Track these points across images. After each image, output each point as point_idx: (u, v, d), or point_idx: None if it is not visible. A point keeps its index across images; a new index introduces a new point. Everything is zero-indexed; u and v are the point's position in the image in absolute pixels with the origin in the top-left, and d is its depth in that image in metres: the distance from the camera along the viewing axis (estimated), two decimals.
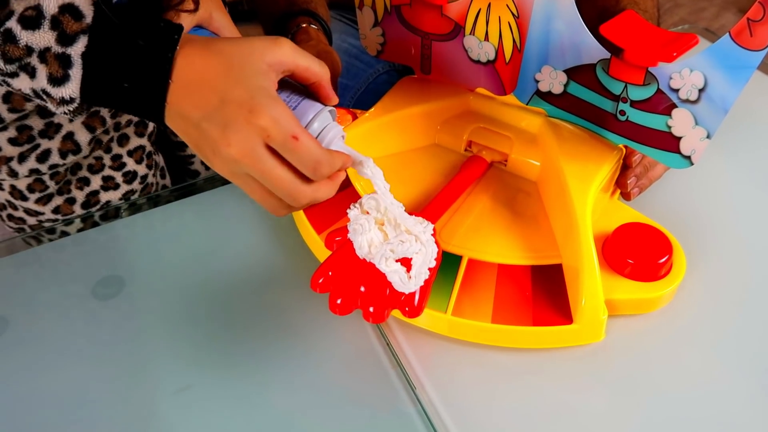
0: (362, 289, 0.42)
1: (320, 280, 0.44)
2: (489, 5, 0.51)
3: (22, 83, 0.38)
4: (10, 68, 0.37)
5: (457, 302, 0.48)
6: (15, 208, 0.67)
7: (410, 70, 0.61)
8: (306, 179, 0.39)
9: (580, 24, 0.48)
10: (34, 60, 0.37)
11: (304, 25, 0.59)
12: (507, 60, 0.53)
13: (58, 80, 0.37)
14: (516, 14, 0.50)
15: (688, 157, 0.48)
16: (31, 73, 0.37)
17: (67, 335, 0.53)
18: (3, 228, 0.73)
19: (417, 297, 0.43)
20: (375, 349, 0.50)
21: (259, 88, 0.37)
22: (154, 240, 0.61)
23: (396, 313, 0.48)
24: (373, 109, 0.58)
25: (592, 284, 0.46)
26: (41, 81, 0.37)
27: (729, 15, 1.92)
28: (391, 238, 0.42)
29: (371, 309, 0.42)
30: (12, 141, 0.61)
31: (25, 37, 0.36)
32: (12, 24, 0.36)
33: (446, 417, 0.45)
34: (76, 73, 0.37)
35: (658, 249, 0.49)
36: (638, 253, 0.49)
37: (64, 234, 0.64)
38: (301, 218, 0.56)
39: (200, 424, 0.46)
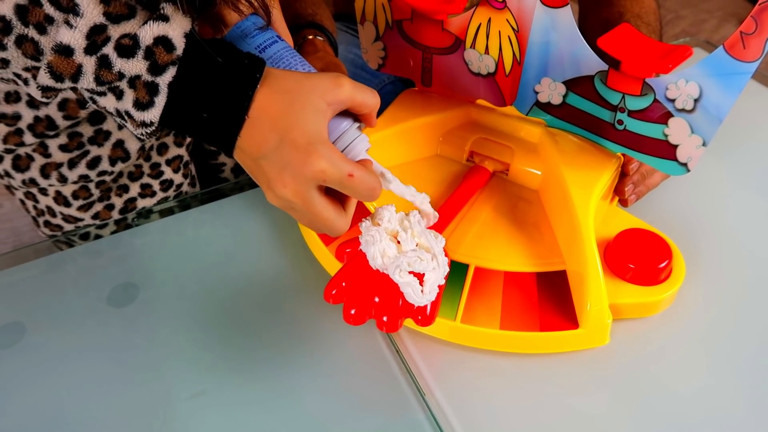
0: (377, 299, 0.43)
1: (333, 292, 0.45)
2: (489, 20, 0.52)
3: (108, 102, 0.39)
4: (100, 89, 0.38)
5: (465, 310, 0.49)
6: (54, 215, 0.68)
7: None
8: (342, 212, 0.42)
9: (579, 37, 0.49)
10: (123, 84, 0.38)
11: (310, 37, 0.60)
12: (507, 72, 0.55)
13: (143, 105, 0.38)
14: (516, 28, 0.52)
15: (685, 164, 0.50)
16: (119, 95, 0.38)
17: (85, 340, 0.54)
18: (13, 233, 0.73)
19: (429, 306, 0.44)
20: (385, 356, 0.51)
21: (315, 132, 0.39)
22: (174, 245, 0.62)
23: (407, 321, 0.49)
24: (375, 122, 0.59)
25: (596, 289, 0.47)
26: (127, 104, 0.38)
27: (729, 27, 1.96)
28: (407, 249, 0.43)
29: (385, 318, 0.43)
30: (62, 147, 0.63)
31: (119, 64, 0.37)
32: (109, 51, 0.37)
33: (455, 423, 0.46)
34: (160, 100, 0.38)
35: (659, 254, 0.51)
36: (639, 258, 0.50)
37: (90, 237, 0.66)
38: (308, 231, 0.57)
39: (214, 429, 0.47)
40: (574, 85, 0.52)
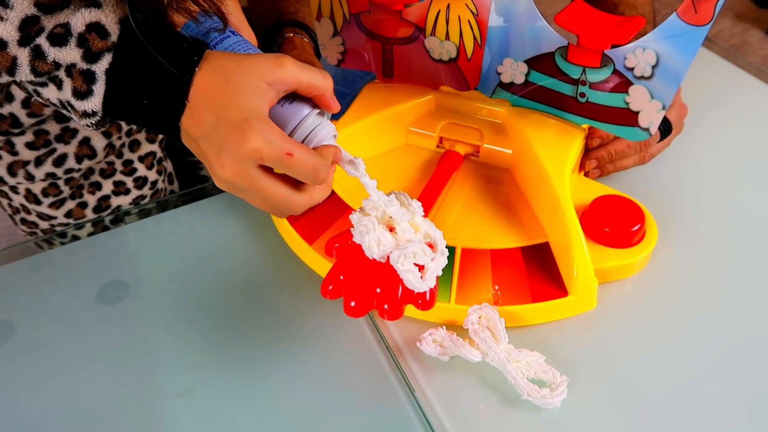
0: (378, 290, 0.43)
1: (330, 287, 0.44)
2: (448, 6, 0.53)
3: (51, 93, 0.39)
4: (40, 79, 0.38)
5: (458, 291, 0.50)
6: (28, 212, 0.67)
7: None
8: (299, 188, 0.41)
9: (537, 14, 0.51)
10: (61, 73, 0.38)
11: (289, 35, 0.59)
12: (469, 57, 0.56)
13: (81, 94, 0.38)
14: (475, 12, 0.53)
15: (647, 129, 0.52)
16: (59, 85, 0.38)
17: (72, 340, 0.53)
18: (7, 232, 0.72)
19: (429, 291, 0.44)
20: (374, 352, 0.50)
21: (251, 110, 0.37)
22: (159, 245, 0.61)
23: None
24: (342, 119, 0.59)
25: (581, 256, 0.49)
26: (66, 93, 0.38)
27: (725, 21, 1.99)
28: (406, 237, 0.43)
29: (386, 306, 0.43)
30: (29, 145, 0.62)
31: (52, 53, 0.37)
32: (41, 41, 0.37)
33: (444, 419, 0.46)
34: (99, 88, 0.37)
35: (631, 217, 0.53)
36: (614, 222, 0.53)
37: (76, 238, 0.64)
38: (289, 231, 0.56)
39: (203, 427, 0.47)
40: (536, 63, 0.54)
